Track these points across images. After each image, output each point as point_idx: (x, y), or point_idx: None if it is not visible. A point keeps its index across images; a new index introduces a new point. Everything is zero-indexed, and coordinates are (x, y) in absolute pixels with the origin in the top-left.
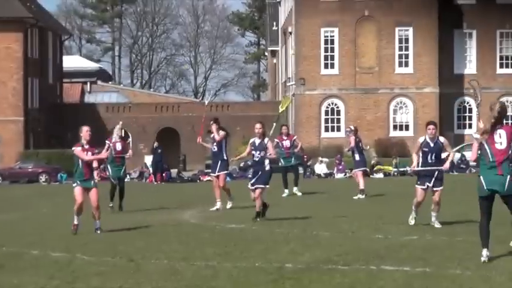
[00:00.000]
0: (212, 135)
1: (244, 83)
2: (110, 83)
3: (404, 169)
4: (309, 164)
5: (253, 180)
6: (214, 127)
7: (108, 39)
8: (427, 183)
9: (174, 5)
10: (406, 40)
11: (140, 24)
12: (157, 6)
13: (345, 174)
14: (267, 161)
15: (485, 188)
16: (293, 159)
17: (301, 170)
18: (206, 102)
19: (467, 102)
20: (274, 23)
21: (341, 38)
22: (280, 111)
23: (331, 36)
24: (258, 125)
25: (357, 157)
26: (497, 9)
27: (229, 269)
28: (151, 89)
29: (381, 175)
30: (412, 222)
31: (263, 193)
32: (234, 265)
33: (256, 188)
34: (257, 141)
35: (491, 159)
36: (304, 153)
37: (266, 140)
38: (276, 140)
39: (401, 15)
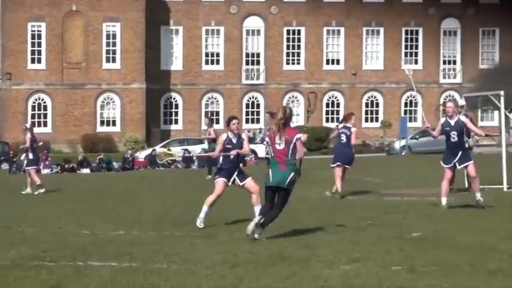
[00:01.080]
0: None
1: None
2: None
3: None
4: (14, 159)
5: None
6: None
7: None
8: (230, 178)
9: None
10: (114, 36)
11: None
12: None
13: (52, 170)
14: None
15: (270, 180)
16: None
17: (6, 166)
18: None
19: (174, 98)
20: None
21: (48, 33)
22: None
23: (38, 31)
24: None
25: (30, 156)
26: (203, 6)
27: None
28: None
29: (87, 170)
30: (202, 225)
31: None
32: None
33: None
34: None
35: (274, 157)
36: (10, 148)
37: None
38: None
39: (109, 11)
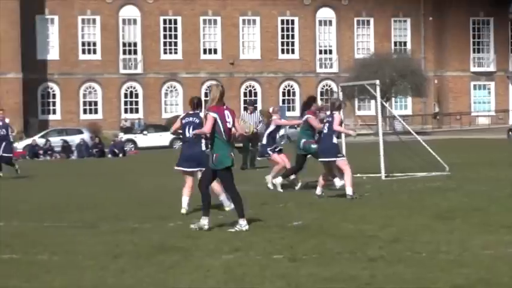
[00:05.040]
0: None
1: None
2: None
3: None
4: None
5: None
6: None
7: None
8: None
9: None
10: None
11: None
12: None
13: None
14: None
15: (230, 160)
16: None
17: None
18: None
19: (51, 88)
20: None
21: None
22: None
23: None
24: None
25: None
26: None
27: None
28: None
29: None
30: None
31: None
32: None
33: None
34: None
35: (226, 136)
36: None
37: None
38: None
39: None
